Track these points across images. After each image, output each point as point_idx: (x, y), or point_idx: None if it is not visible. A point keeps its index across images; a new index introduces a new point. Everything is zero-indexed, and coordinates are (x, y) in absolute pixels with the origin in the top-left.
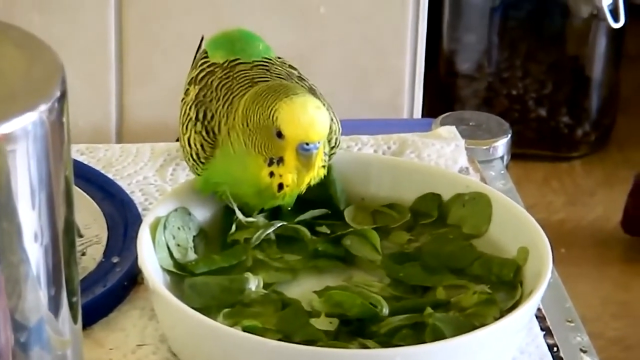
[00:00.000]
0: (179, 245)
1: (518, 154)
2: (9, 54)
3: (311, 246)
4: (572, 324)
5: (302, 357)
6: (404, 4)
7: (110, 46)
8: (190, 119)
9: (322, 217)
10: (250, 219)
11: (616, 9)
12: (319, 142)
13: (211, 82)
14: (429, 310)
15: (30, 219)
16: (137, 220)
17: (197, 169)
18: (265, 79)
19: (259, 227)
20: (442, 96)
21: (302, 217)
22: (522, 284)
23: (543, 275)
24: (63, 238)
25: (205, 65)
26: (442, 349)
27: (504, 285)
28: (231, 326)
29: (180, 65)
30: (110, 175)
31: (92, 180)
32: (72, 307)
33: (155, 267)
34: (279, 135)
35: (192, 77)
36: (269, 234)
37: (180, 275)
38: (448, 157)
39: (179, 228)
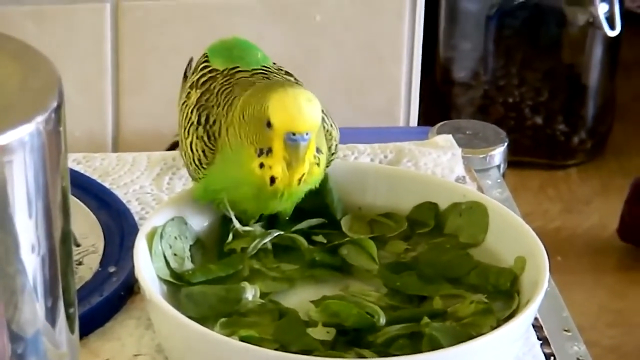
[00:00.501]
0: (175, 254)
1: (514, 161)
2: (6, 65)
3: (308, 256)
4: (569, 334)
5: None
6: (400, 12)
7: (106, 55)
8: (192, 122)
9: (319, 226)
10: (247, 228)
11: (612, 17)
12: (307, 134)
13: (213, 87)
14: (425, 319)
15: (27, 230)
16: (134, 229)
17: (198, 174)
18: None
19: (256, 237)
20: (438, 104)
21: (298, 226)
22: (519, 293)
23: (540, 284)
24: (60, 248)
25: (206, 70)
26: (439, 358)
27: (500, 295)
28: (228, 336)
29: (176, 74)
30: (106, 185)
31: (88, 190)
32: (69, 317)
33: (151, 277)
34: (269, 124)
35: (193, 81)
36: (265, 243)
37: (176, 284)
38: (445, 166)
39: (175, 237)
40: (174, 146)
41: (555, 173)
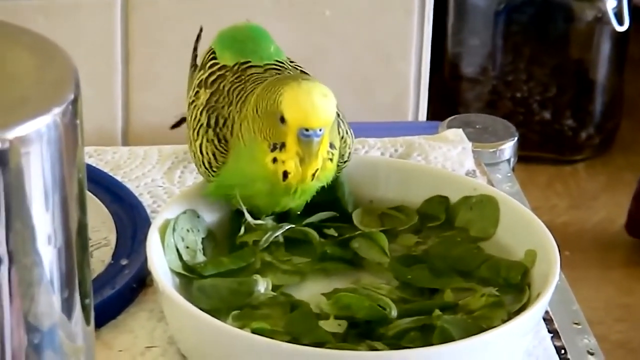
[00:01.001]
0: (187, 247)
1: (522, 156)
2: (23, 58)
3: (319, 249)
4: (579, 327)
5: (311, 359)
6: (409, 8)
7: (116, 49)
8: (202, 124)
9: (330, 219)
10: (259, 222)
11: (620, 12)
12: (320, 130)
13: (223, 86)
14: (437, 312)
15: (43, 221)
16: (146, 222)
17: (208, 176)
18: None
19: (268, 230)
20: (446, 99)
21: (310, 219)
22: (530, 286)
23: (551, 277)
24: (76, 240)
25: (215, 68)
26: (450, 351)
27: (511, 288)
28: (240, 328)
29: (186, 69)
30: (118, 178)
31: (100, 183)
32: (85, 309)
33: (164, 269)
34: (282, 120)
35: (202, 80)
36: (277, 236)
37: (189, 277)
38: (455, 160)
39: (187, 230)
40: (178, 123)
41: (563, 168)
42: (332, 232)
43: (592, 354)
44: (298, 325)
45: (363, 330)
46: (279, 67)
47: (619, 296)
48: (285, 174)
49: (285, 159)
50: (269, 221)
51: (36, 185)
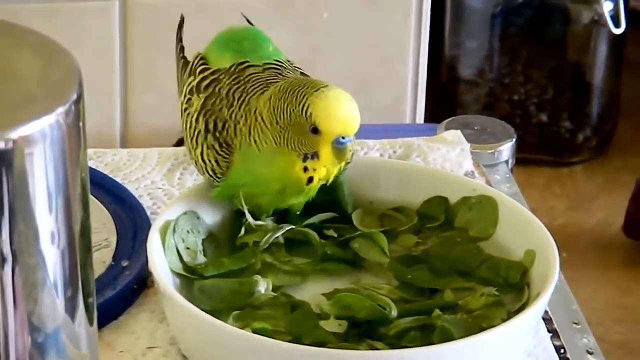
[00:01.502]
0: (188, 248)
1: (520, 158)
2: (27, 58)
3: (320, 249)
4: (579, 326)
5: (312, 359)
6: (406, 10)
7: (114, 52)
8: (199, 131)
9: (330, 220)
10: (259, 222)
11: (617, 14)
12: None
13: (219, 89)
14: (437, 312)
15: (47, 222)
16: (146, 224)
17: (213, 182)
18: (277, 80)
19: (268, 231)
20: (444, 102)
21: (310, 220)
22: (529, 286)
23: (550, 277)
24: (79, 241)
25: (207, 73)
26: (451, 350)
27: (511, 288)
28: (241, 328)
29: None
30: (118, 180)
31: (100, 185)
32: (88, 309)
33: (165, 270)
34: (314, 130)
35: (192, 86)
36: (277, 237)
37: (189, 278)
38: (453, 161)
39: (188, 231)
40: (180, 142)
41: (561, 170)
42: (332, 232)
43: (591, 353)
44: (299, 325)
45: (364, 330)
46: (278, 67)
47: (618, 297)
48: (311, 179)
49: (317, 167)
50: (269, 222)
51: (40, 185)
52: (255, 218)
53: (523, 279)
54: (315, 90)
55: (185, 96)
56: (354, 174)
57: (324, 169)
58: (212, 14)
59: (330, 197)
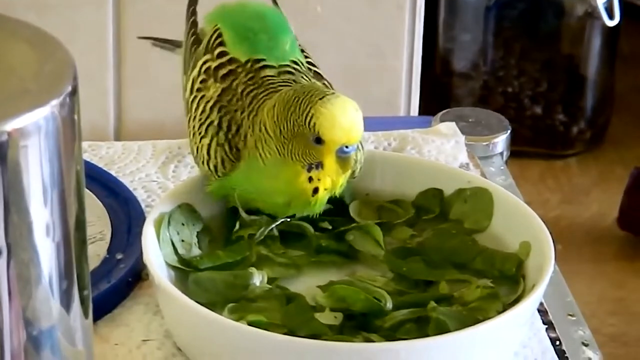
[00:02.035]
0: (183, 241)
1: (514, 151)
2: (21, 50)
3: (314, 242)
4: (574, 318)
5: (308, 351)
6: (400, 4)
7: (108, 46)
8: (212, 122)
9: (325, 212)
10: (254, 217)
11: (611, 7)
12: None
13: (236, 85)
14: (432, 304)
15: (42, 215)
16: (141, 217)
17: (210, 177)
18: (289, 85)
19: (263, 224)
20: (438, 95)
21: None
22: (525, 278)
23: (545, 269)
24: (74, 234)
25: (225, 60)
26: (446, 342)
27: (506, 280)
28: (236, 321)
29: (178, 65)
30: (112, 173)
31: (95, 178)
32: (83, 302)
33: (160, 263)
34: (318, 140)
35: (210, 67)
36: (272, 229)
37: (184, 270)
38: (448, 153)
39: (183, 224)
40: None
41: (555, 163)
42: (326, 225)
43: (586, 345)
44: (294, 317)
45: (359, 322)
46: (293, 71)
47: (612, 290)
48: (316, 190)
49: (321, 177)
50: (263, 216)
51: (34, 178)
52: (250, 213)
53: (518, 271)
54: (320, 99)
55: (200, 74)
56: None
57: (329, 179)
58: (207, 7)
59: None
